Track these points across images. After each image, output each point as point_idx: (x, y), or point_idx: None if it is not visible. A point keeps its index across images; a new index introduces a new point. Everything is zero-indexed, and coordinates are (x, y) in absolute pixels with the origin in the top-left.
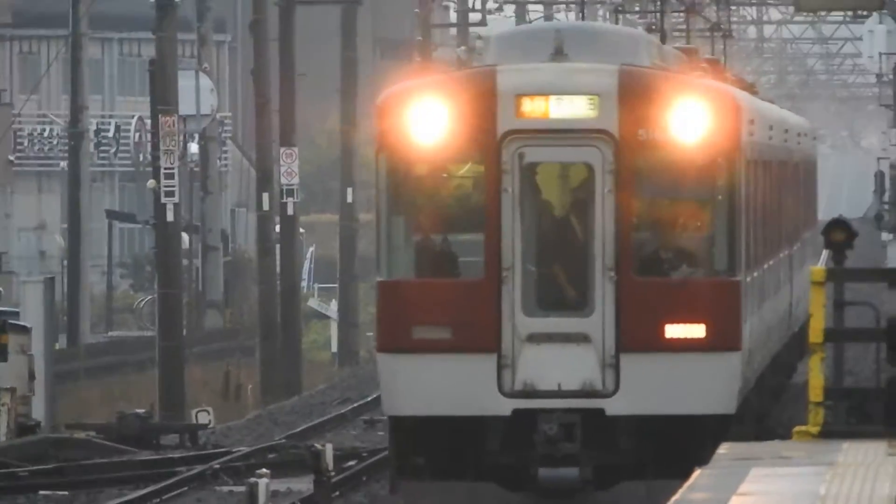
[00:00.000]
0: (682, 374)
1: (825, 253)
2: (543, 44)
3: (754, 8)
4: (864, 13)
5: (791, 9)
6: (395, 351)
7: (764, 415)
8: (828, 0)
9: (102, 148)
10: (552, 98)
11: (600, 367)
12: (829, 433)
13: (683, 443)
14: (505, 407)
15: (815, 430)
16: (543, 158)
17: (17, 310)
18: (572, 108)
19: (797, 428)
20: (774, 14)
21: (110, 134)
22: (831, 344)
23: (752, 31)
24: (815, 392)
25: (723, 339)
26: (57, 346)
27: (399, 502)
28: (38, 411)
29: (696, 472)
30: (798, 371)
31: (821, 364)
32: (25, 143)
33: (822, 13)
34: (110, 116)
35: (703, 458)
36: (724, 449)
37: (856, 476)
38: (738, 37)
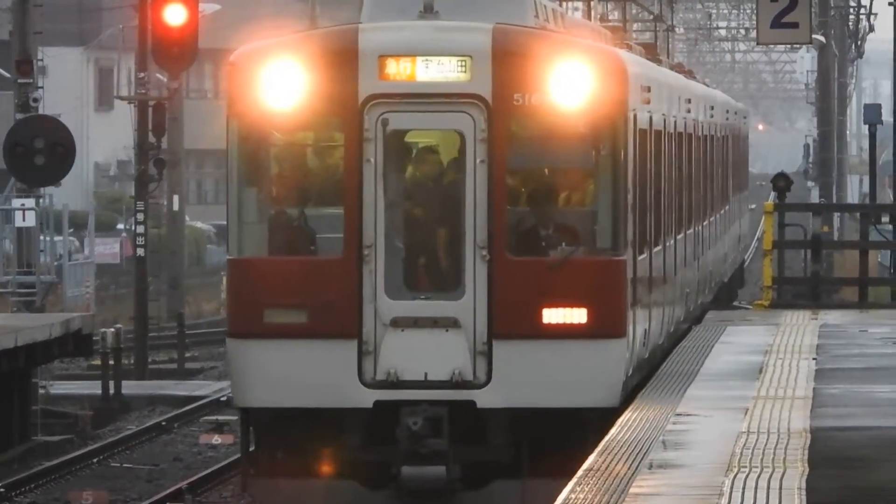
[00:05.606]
0: (561, 364)
1: (773, 193)
2: (417, 0)
3: (730, 42)
4: (798, 45)
5: (752, 43)
6: (246, 336)
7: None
8: (775, 37)
9: None
10: (419, 59)
11: (471, 354)
12: (775, 306)
13: (562, 438)
14: (366, 398)
15: (766, 303)
16: (409, 125)
17: None
18: (441, 70)
19: (755, 302)
20: (742, 46)
21: None
22: (776, 250)
23: (728, 57)
24: (767, 279)
25: (606, 325)
26: None
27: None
28: None
29: (692, 330)
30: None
31: (770, 263)
32: None
33: (772, 45)
34: None
35: (583, 455)
36: (710, 314)
37: (791, 332)
38: (714, 56)
